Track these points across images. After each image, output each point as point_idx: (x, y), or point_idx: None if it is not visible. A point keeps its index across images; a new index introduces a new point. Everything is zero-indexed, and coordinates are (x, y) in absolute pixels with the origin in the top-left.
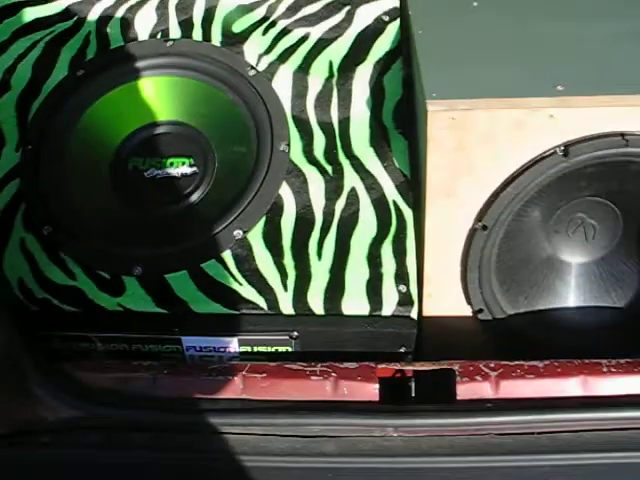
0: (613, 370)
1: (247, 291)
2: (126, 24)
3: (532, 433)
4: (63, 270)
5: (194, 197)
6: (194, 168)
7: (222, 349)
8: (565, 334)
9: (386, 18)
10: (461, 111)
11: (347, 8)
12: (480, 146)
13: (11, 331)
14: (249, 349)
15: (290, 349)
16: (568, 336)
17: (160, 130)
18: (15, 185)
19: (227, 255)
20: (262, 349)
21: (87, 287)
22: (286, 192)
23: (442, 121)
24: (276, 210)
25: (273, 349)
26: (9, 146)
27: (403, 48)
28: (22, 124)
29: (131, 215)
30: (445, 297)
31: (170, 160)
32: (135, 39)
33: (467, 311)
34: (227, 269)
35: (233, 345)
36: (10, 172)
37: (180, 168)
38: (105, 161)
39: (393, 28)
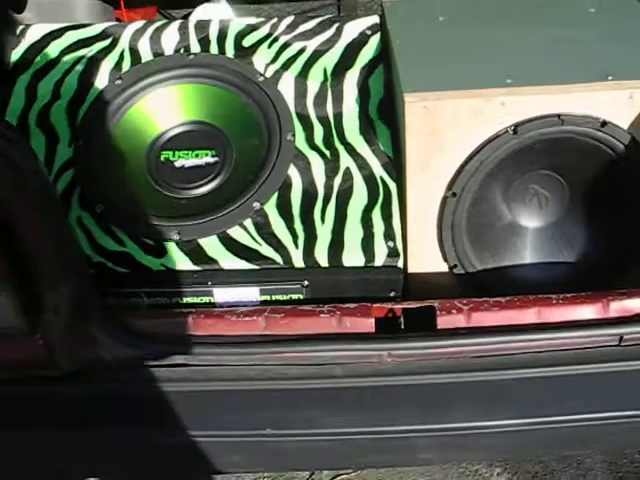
0: (561, 302)
1: (265, 250)
2: (154, 42)
3: (498, 355)
4: (114, 239)
5: (218, 180)
6: (216, 158)
7: (246, 298)
8: (525, 287)
9: (369, 32)
10: (431, 101)
11: (337, 25)
12: (447, 129)
13: (83, 280)
14: (268, 298)
15: (302, 296)
16: (528, 289)
17: (186, 128)
18: (70, 174)
19: (248, 223)
20: (279, 297)
21: (134, 251)
22: (294, 172)
23: (416, 110)
24: (286, 186)
25: (288, 297)
26: (63, 143)
27: (384, 56)
28: (72, 125)
29: (167, 195)
30: (425, 255)
31: (196, 152)
32: (162, 54)
33: (444, 267)
34: (249, 233)
35: (255, 294)
36: (65, 163)
37: (204, 158)
38: (141, 154)
39: (375, 40)
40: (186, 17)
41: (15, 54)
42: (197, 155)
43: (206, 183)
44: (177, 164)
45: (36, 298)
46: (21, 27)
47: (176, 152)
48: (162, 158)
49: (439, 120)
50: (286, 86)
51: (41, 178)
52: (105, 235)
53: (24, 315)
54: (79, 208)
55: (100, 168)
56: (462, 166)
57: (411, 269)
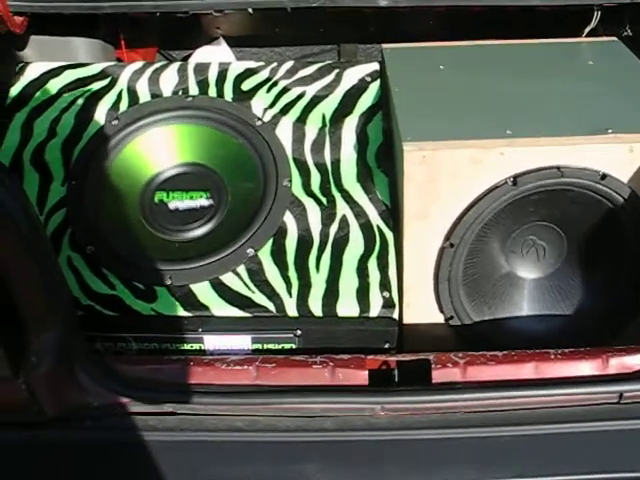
0: (559, 357)
1: (258, 297)
2: (152, 83)
3: (494, 411)
4: (104, 282)
5: (211, 224)
6: (211, 201)
7: (238, 346)
8: (522, 339)
9: (368, 79)
10: (430, 151)
11: (336, 71)
12: (446, 178)
13: (70, 323)
14: (260, 346)
15: (294, 346)
16: (525, 341)
17: (181, 170)
18: (62, 214)
19: (242, 269)
20: (271, 346)
21: (125, 295)
22: (289, 219)
23: (415, 158)
24: (281, 233)
25: (280, 346)
26: (56, 182)
27: (383, 103)
28: (66, 164)
29: (160, 238)
30: (421, 306)
31: (190, 194)
32: (160, 95)
33: (440, 318)
34: (242, 280)
35: (247, 343)
36: (58, 203)
37: (199, 201)
38: (135, 194)
39: (374, 87)
40: (186, 59)
41: (13, 91)
42: (191, 197)
43: (200, 226)
44: (171, 206)
45: (20, 341)
46: (20, 64)
47: (170, 193)
48: (156, 199)
49: (438, 170)
50: (284, 131)
51: (29, 217)
52: (95, 277)
53: (6, 358)
54: (70, 249)
55: (92, 208)
56: (460, 216)
57: (406, 319)
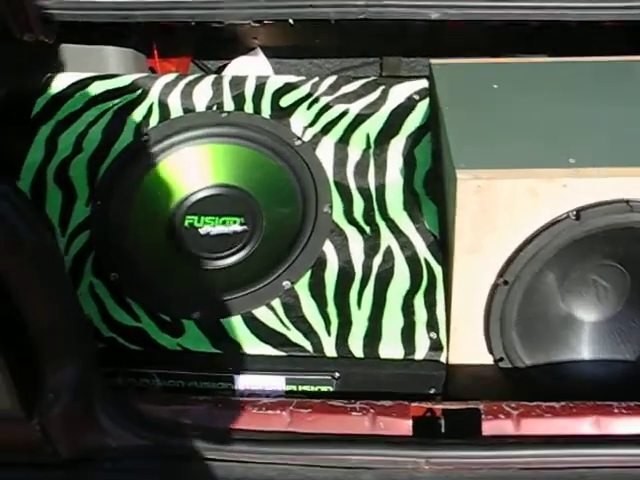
0: (624, 412)
1: (294, 335)
2: (185, 97)
3: (550, 468)
4: (128, 312)
5: (245, 251)
6: (245, 226)
7: (270, 387)
8: (579, 384)
9: (417, 97)
10: (486, 180)
11: (382, 87)
12: (502, 210)
13: (88, 359)
14: (294, 388)
15: (331, 388)
16: (582, 386)
17: (214, 192)
18: (85, 236)
19: (276, 303)
20: (306, 388)
21: (150, 328)
22: (329, 249)
23: (469, 188)
24: (320, 264)
25: (316, 388)
26: (80, 201)
27: (432, 124)
28: (92, 182)
29: (189, 265)
30: (469, 345)
31: (223, 218)
32: (193, 110)
33: (489, 359)
34: (277, 315)
35: (280, 383)
36: (81, 224)
37: (232, 226)
38: (164, 218)
39: (423, 106)
40: (221, 69)
41: (39, 103)
42: (224, 222)
43: (232, 254)
44: (202, 231)
45: (34, 378)
46: (48, 75)
47: (202, 217)
48: (186, 223)
49: (493, 200)
50: (325, 152)
51: (37, 236)
52: (118, 307)
53: (20, 397)
54: (92, 275)
55: (118, 231)
56: (516, 252)
57: (452, 359)
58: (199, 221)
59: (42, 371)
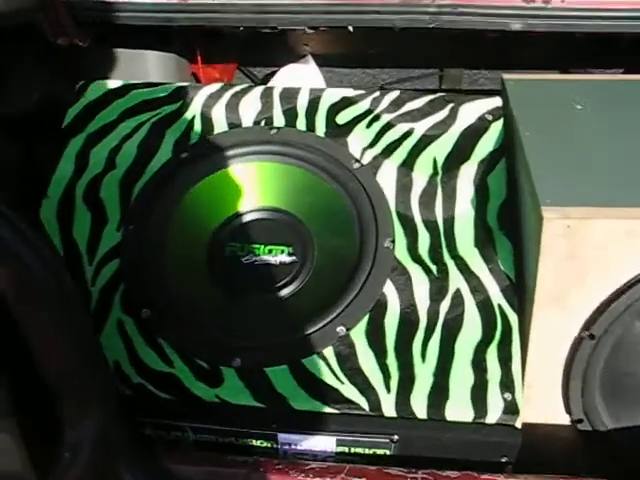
0: None
1: (348, 390)
2: (230, 110)
3: None
4: (160, 356)
5: (293, 287)
6: (293, 257)
7: (319, 448)
8: None
9: (489, 117)
10: (576, 219)
11: (451, 105)
12: (593, 254)
13: (108, 415)
14: (346, 449)
15: (388, 452)
16: None
17: (259, 216)
18: (115, 264)
19: (329, 352)
20: (359, 450)
21: (184, 375)
22: (390, 290)
23: (557, 228)
24: (380, 308)
25: (371, 451)
26: (111, 225)
27: (507, 148)
28: (125, 204)
29: (229, 302)
30: (544, 404)
31: (269, 247)
32: (239, 125)
33: (565, 420)
34: (329, 366)
35: (330, 445)
36: (111, 251)
37: (279, 256)
38: (203, 245)
39: (496, 128)
40: (269, 77)
41: (70, 113)
42: (270, 251)
43: (278, 289)
44: (244, 260)
45: (49, 436)
46: (82, 82)
47: (245, 245)
48: (227, 251)
49: (584, 244)
50: (386, 177)
51: (43, 263)
52: (149, 349)
53: (32, 459)
54: (121, 310)
55: (150, 261)
56: (607, 303)
57: (524, 417)
58: (242, 249)
59: (58, 427)
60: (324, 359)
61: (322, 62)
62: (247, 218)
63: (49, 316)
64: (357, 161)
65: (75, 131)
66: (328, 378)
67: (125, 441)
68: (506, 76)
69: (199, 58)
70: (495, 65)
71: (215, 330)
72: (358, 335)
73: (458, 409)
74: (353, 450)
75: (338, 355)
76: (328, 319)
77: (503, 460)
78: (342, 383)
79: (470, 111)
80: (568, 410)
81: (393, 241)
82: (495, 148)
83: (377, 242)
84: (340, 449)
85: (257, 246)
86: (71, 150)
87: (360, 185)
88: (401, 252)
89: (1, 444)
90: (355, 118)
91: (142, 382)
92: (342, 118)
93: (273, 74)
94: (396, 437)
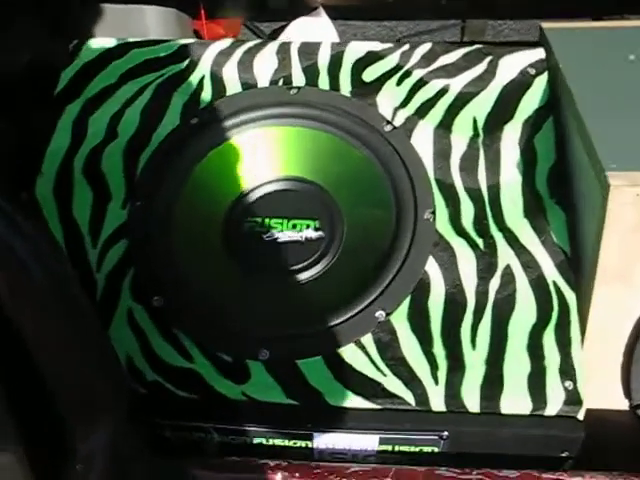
0: None
1: (391, 383)
2: (244, 69)
3: None
4: (178, 349)
5: (321, 266)
6: (320, 232)
7: (359, 447)
8: None
9: (532, 71)
10: None
11: (489, 59)
12: None
13: (121, 425)
14: (389, 448)
15: (437, 449)
16: None
17: (280, 187)
18: (122, 246)
19: (368, 340)
20: (404, 448)
21: (205, 371)
22: (433, 268)
23: (625, 197)
24: (423, 289)
25: (417, 449)
26: (115, 202)
27: (554, 106)
28: (130, 177)
29: (251, 285)
30: (601, 388)
31: (292, 222)
32: (254, 85)
33: (624, 405)
34: (369, 356)
35: (372, 443)
36: (116, 232)
37: (304, 232)
38: (219, 221)
39: (540, 83)
40: (277, 32)
41: (64, 76)
42: (295, 226)
43: (305, 268)
44: (266, 237)
45: (57, 453)
46: (75, 42)
47: (266, 220)
48: (246, 227)
49: None
50: (422, 141)
51: (55, 272)
52: (165, 342)
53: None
54: (131, 298)
55: (161, 241)
56: None
57: None
58: (262, 224)
59: (67, 442)
60: (362, 348)
61: (335, 14)
62: (267, 190)
63: (49, 319)
64: (389, 123)
65: (70, 97)
66: (368, 369)
67: (142, 448)
68: (545, 25)
69: (202, 13)
70: (521, 14)
71: (237, 318)
72: (399, 320)
73: (514, 400)
74: (397, 448)
75: (378, 343)
76: (365, 303)
77: (563, 455)
78: (384, 375)
79: (510, 65)
80: (628, 395)
81: (433, 212)
82: (541, 105)
83: (416, 214)
84: (382, 447)
85: (279, 221)
86: (67, 119)
87: (393, 149)
88: (443, 225)
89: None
90: (384, 75)
91: (158, 379)
92: (369, 75)
93: (282, 29)
94: (446, 433)
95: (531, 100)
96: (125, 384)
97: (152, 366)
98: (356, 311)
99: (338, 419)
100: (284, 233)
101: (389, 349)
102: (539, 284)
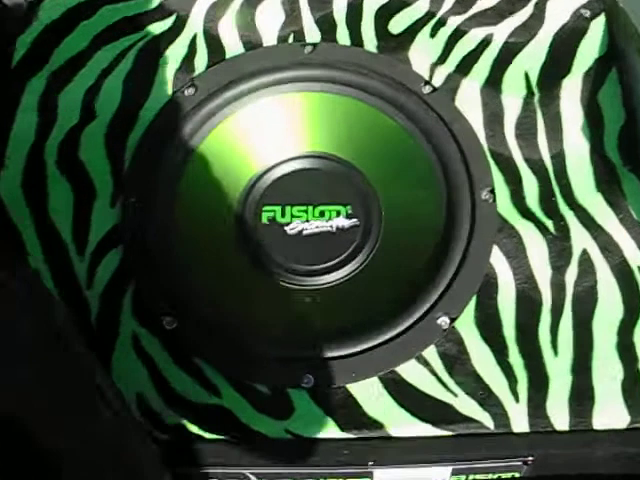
0: None
1: (464, 404)
2: (244, 24)
3: None
4: (200, 382)
5: (358, 262)
6: (353, 220)
7: None
8: None
9: (587, 14)
10: None
11: (534, 1)
12: None
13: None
14: (463, 479)
15: (518, 475)
16: None
17: (302, 166)
18: (117, 256)
19: (431, 353)
20: (480, 477)
21: (237, 406)
22: (499, 260)
23: None
24: (489, 286)
25: (495, 476)
26: (101, 199)
27: (617, 55)
28: (117, 167)
29: (278, 292)
30: None
31: (320, 209)
32: (259, 44)
33: None
34: (434, 374)
35: (444, 475)
36: (107, 237)
37: (335, 220)
38: (230, 215)
39: (598, 27)
40: None
41: (21, 44)
42: (322, 214)
43: (340, 266)
44: (289, 229)
45: None
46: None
47: (287, 208)
48: (264, 218)
49: None
50: (469, 103)
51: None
52: (182, 373)
53: None
54: (134, 320)
55: (166, 246)
56: None
57: None
58: (283, 214)
59: None
60: (426, 364)
61: None
62: (285, 170)
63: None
64: (427, 83)
65: (32, 69)
66: (435, 390)
67: None
68: None
69: None
70: None
71: (270, 338)
72: (466, 326)
73: (608, 413)
74: (472, 478)
75: (444, 357)
76: (424, 308)
77: None
78: (454, 395)
79: (561, 7)
80: None
81: (493, 191)
82: (601, 55)
83: (473, 194)
84: (456, 479)
85: (303, 208)
86: (30, 97)
87: (437, 116)
88: (504, 206)
89: None
90: (414, 24)
91: (180, 421)
92: (396, 26)
93: None
94: (531, 457)
95: (589, 49)
96: (138, 437)
97: (170, 405)
98: (414, 319)
99: (403, 451)
100: (310, 223)
101: (457, 363)
102: (622, 271)
